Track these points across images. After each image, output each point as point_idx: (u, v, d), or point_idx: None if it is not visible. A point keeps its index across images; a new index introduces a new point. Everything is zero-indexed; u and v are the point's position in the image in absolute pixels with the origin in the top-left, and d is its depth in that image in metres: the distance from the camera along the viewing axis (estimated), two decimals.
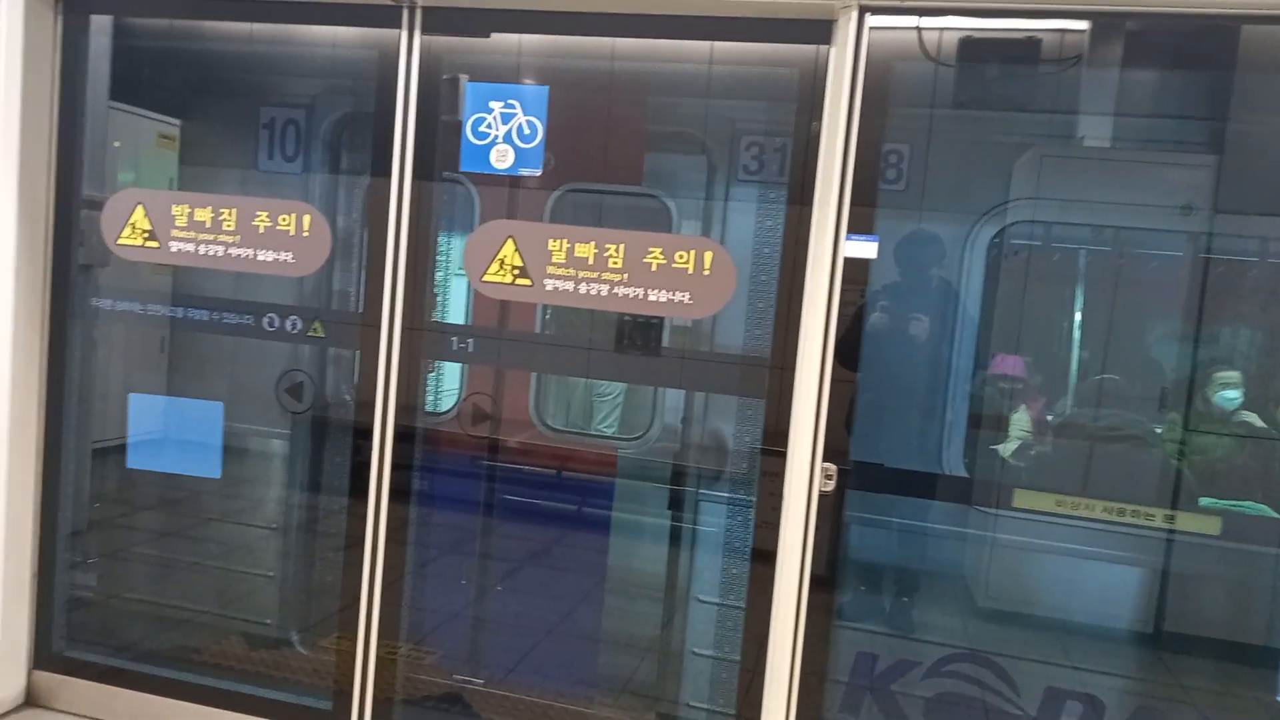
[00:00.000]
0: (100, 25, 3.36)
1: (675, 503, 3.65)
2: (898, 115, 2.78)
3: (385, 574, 3.12)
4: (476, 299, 3.80)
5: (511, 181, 3.31)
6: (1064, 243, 4.07)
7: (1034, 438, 3.76)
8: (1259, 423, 3.51)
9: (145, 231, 3.15)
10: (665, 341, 3.24)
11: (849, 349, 2.70)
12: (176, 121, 4.31)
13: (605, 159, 3.45)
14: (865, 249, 2.63)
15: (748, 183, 3.63)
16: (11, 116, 3.12)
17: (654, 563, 3.75)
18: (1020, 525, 3.33)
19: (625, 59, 3.08)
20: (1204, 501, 3.25)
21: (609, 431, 5.38)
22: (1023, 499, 2.88)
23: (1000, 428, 3.76)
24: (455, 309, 4.15)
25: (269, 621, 3.77)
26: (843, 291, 2.63)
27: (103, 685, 3.40)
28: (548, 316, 4.31)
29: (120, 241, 3.18)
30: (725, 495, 3.32)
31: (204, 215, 3.09)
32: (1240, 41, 2.89)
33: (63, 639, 3.49)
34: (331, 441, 3.72)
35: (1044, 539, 3.42)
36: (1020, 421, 3.81)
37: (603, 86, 3.16)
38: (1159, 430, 3.68)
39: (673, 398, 4.21)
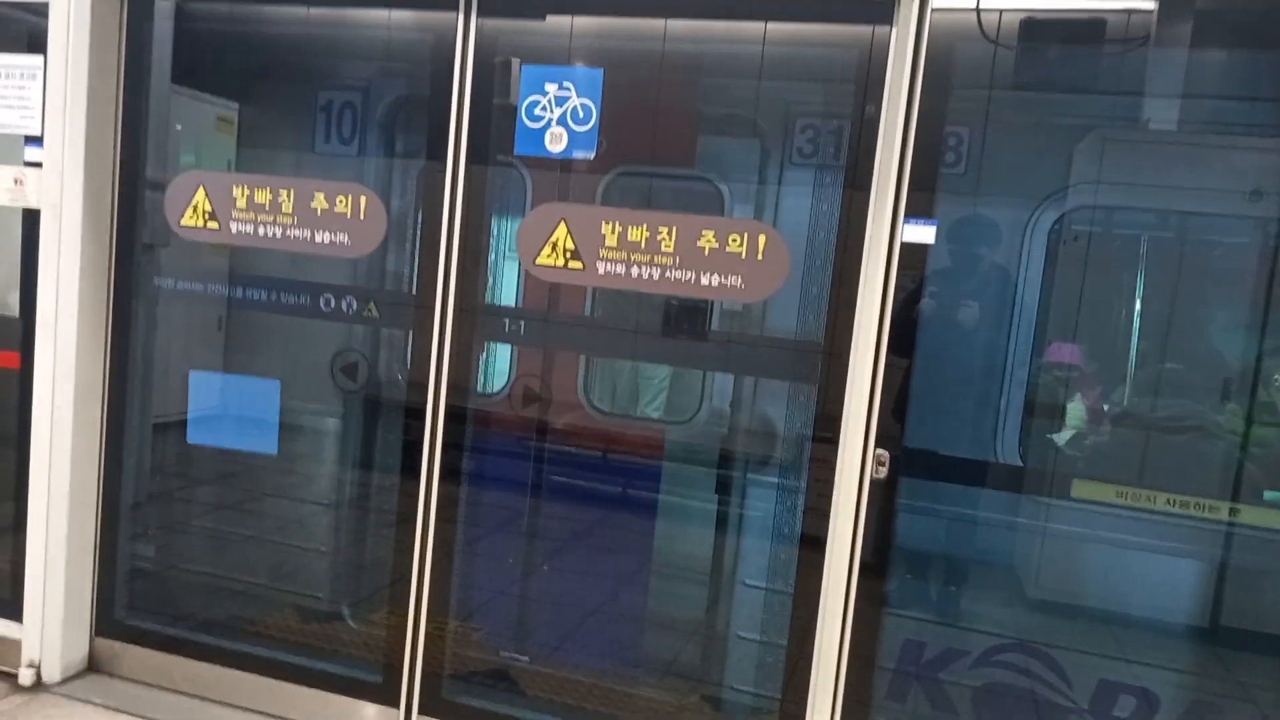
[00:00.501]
0: (163, 10, 3.42)
1: (722, 487, 3.64)
2: (958, 97, 2.73)
3: (435, 551, 3.16)
4: (527, 281, 3.82)
5: (563, 165, 3.31)
6: (1126, 228, 3.97)
7: (1090, 427, 3.69)
8: None
9: (207, 212, 3.21)
10: (716, 325, 3.23)
11: (904, 335, 2.67)
12: (235, 105, 4.38)
13: (657, 142, 3.43)
14: (924, 234, 2.59)
15: (802, 166, 3.59)
16: (79, 100, 3.19)
17: (701, 546, 3.75)
18: (1074, 515, 3.28)
19: (679, 40, 3.05)
20: (1269, 495, 3.16)
21: (655, 414, 5.38)
22: (1082, 489, 2.82)
23: (1056, 416, 3.69)
24: (506, 291, 4.18)
25: (321, 595, 3.85)
26: (899, 277, 2.59)
27: (161, 653, 3.50)
28: (595, 300, 4.31)
29: (183, 222, 3.24)
30: (774, 480, 3.30)
31: (263, 197, 3.14)
32: None
33: (124, 607, 3.60)
34: (384, 420, 3.77)
35: (1097, 530, 3.36)
36: (1076, 410, 3.74)
37: (656, 68, 3.14)
38: (1220, 421, 3.59)
39: (721, 382, 4.19)
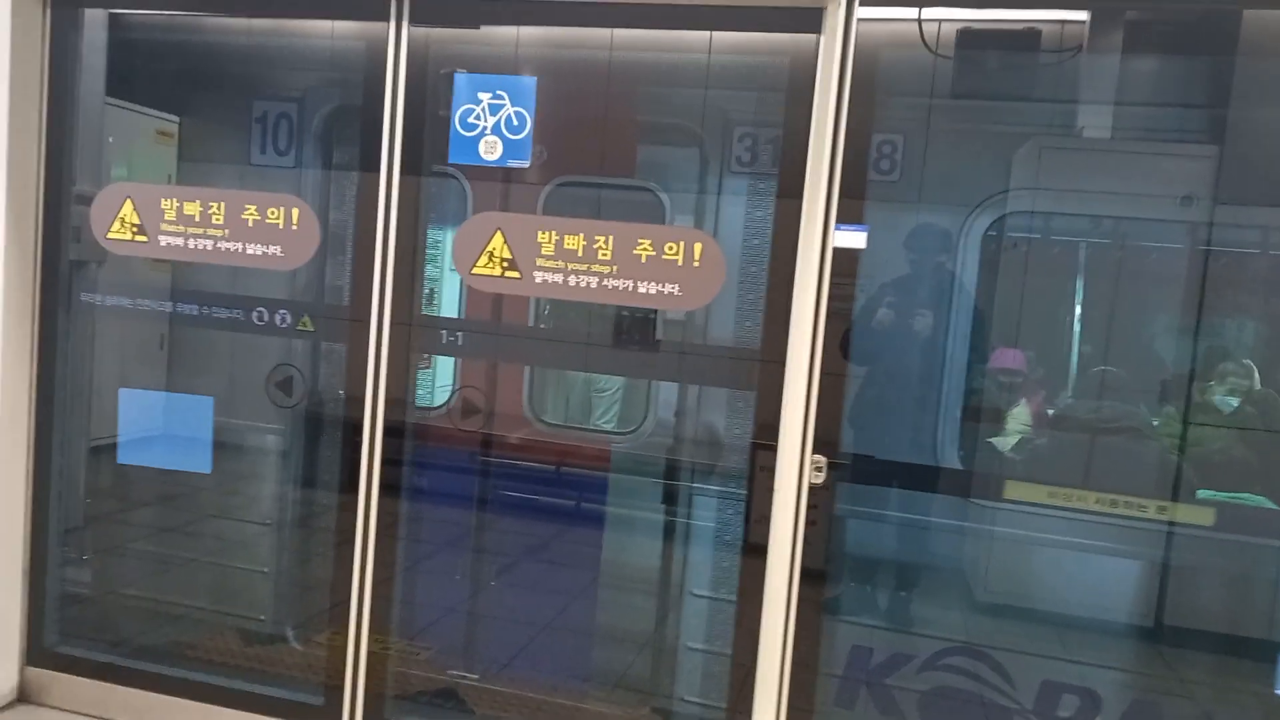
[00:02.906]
0: (95, 19, 3.34)
1: (669, 497, 3.63)
2: (890, 105, 2.75)
3: (376, 569, 3.10)
4: (469, 292, 3.79)
5: (504, 175, 3.29)
6: (1063, 234, 4.03)
7: (1027, 430, 3.73)
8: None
9: (134, 226, 3.13)
10: (659, 334, 3.22)
11: (840, 340, 2.68)
12: (174, 117, 4.30)
13: (597, 151, 3.43)
14: (855, 239, 2.60)
15: (740, 174, 3.60)
16: None
17: (648, 557, 3.73)
18: (1017, 518, 3.30)
19: (616, 49, 3.05)
20: (1201, 493, 3.21)
21: (608, 426, 5.36)
22: (1014, 490, 2.85)
23: (994, 420, 3.73)
24: (449, 302, 4.14)
25: (263, 617, 3.76)
26: (831, 283, 2.60)
27: (96, 681, 3.39)
28: (546, 311, 4.29)
29: (110, 236, 3.17)
30: (718, 489, 3.30)
31: (193, 209, 3.07)
32: (1242, 28, 2.86)
33: (56, 635, 3.48)
34: (324, 436, 3.71)
35: (1041, 532, 3.39)
36: (1020, 415, 3.77)
37: (594, 77, 3.14)
38: (1156, 423, 3.65)
39: (666, 392, 4.18)
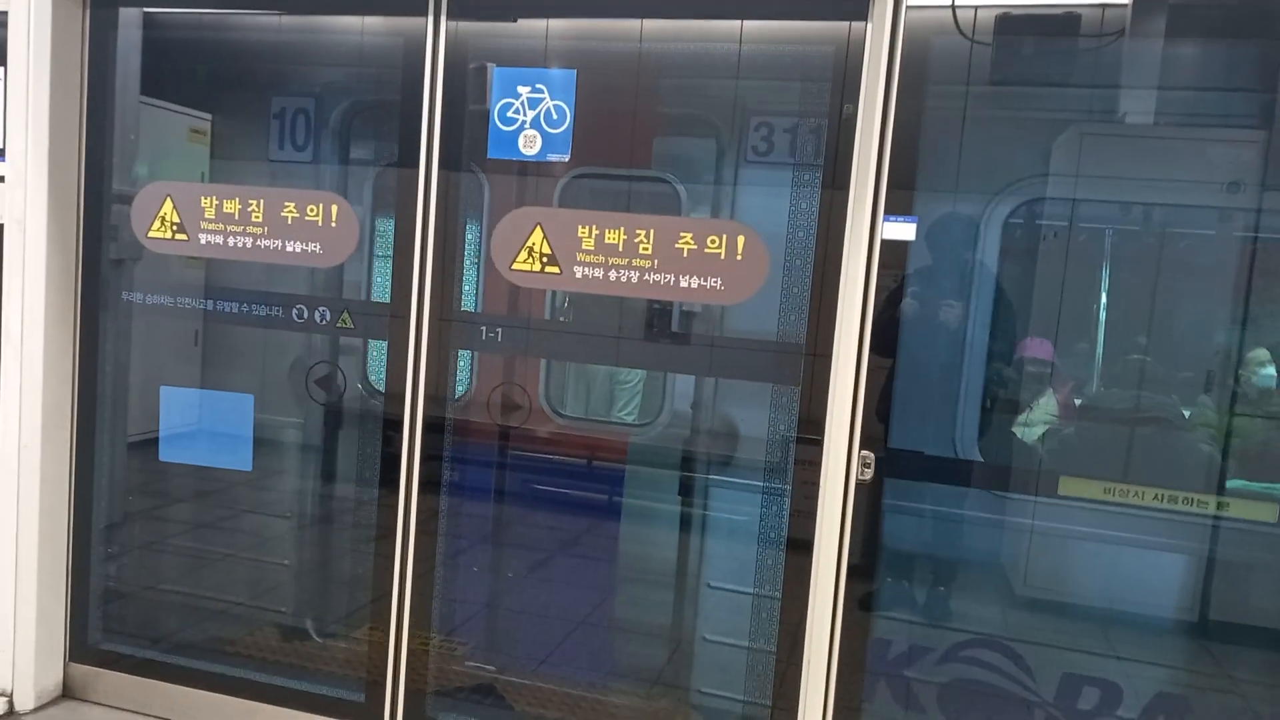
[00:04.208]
0: (130, 19, 3.35)
1: (702, 490, 3.59)
2: (936, 93, 2.70)
3: (415, 564, 3.10)
4: (486, 287, 3.74)
5: (519, 168, 3.26)
6: (1103, 222, 3.95)
7: (1060, 421, 3.67)
8: None
9: (175, 224, 3.14)
10: (687, 328, 3.18)
11: (887, 334, 2.64)
12: (207, 116, 4.31)
13: (617, 143, 3.39)
14: (904, 231, 2.56)
15: (769, 166, 3.56)
16: (41, 111, 3.12)
17: (683, 552, 3.70)
18: (1060, 512, 3.25)
19: (648, 40, 3.01)
20: (1231, 484, 3.15)
21: (629, 419, 5.33)
22: (1069, 486, 2.79)
23: (1046, 413, 3.67)
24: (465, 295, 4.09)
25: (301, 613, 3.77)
26: (880, 275, 2.56)
27: (138, 678, 3.42)
28: (566, 304, 4.23)
29: (151, 234, 3.18)
30: (760, 484, 3.25)
31: (232, 207, 3.08)
32: None
33: (98, 631, 3.52)
34: (361, 432, 3.70)
35: (1078, 525, 3.34)
36: (1047, 405, 3.71)
37: (628, 70, 3.10)
38: (1188, 413, 3.58)
39: (682, 383, 4.12)
